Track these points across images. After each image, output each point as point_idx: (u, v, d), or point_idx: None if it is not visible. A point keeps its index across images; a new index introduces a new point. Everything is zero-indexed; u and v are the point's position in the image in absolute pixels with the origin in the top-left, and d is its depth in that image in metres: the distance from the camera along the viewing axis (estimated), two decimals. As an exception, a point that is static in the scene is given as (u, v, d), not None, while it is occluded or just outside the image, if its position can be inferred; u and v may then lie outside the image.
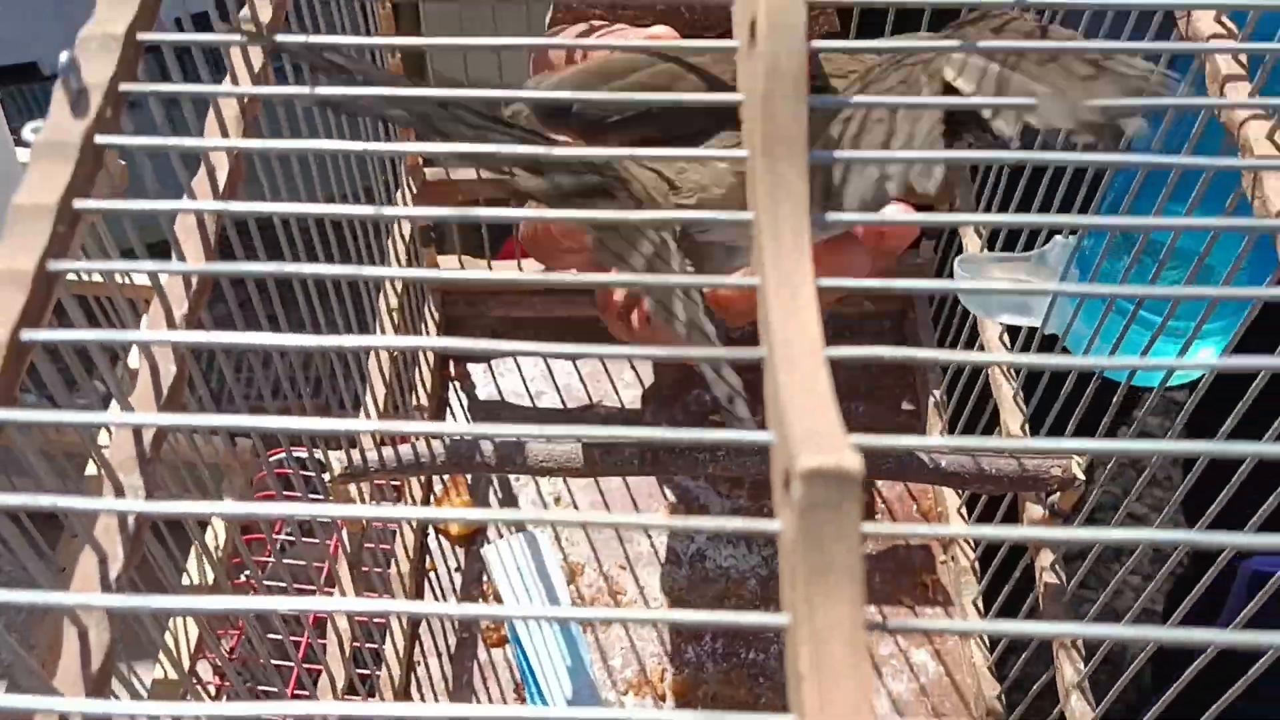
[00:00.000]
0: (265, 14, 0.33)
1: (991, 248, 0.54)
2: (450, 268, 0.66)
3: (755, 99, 0.22)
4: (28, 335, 0.21)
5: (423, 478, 0.61)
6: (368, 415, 0.52)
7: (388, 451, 0.45)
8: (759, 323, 0.21)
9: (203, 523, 0.68)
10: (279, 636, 0.62)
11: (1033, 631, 0.20)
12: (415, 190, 0.61)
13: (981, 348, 0.55)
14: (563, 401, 0.65)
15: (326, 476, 0.44)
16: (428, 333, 0.65)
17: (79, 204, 0.23)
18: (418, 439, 0.45)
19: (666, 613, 0.18)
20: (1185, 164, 0.27)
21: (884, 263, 0.37)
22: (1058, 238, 0.46)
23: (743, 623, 0.17)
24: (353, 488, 0.47)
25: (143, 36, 0.25)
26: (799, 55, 0.21)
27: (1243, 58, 0.32)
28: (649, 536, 0.60)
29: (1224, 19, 0.34)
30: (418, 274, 0.22)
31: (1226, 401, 0.36)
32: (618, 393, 0.66)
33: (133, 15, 0.25)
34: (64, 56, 0.23)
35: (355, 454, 0.45)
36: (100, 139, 0.23)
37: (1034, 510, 0.48)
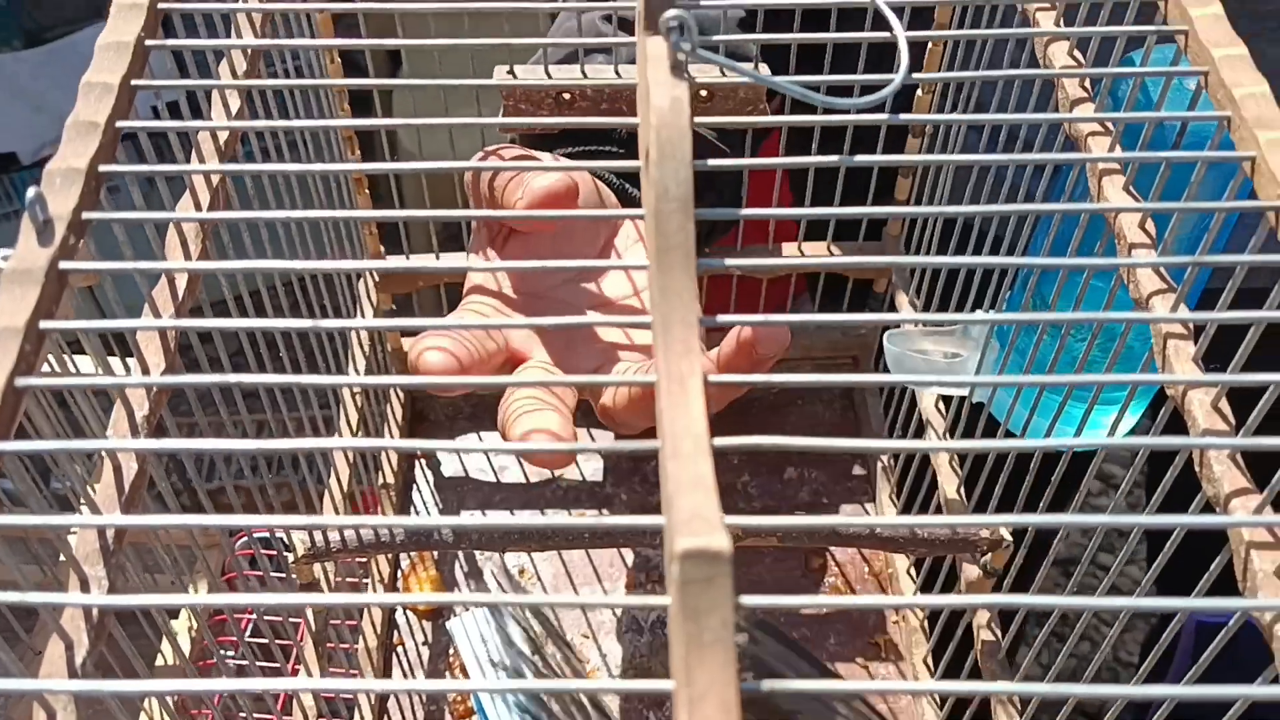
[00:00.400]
0: (234, 102, 0.36)
1: (927, 307, 0.57)
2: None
3: (650, 217, 0.25)
4: (22, 382, 0.23)
5: (389, 561, 0.62)
6: (332, 495, 0.54)
7: (350, 532, 0.47)
8: (656, 417, 0.23)
9: (172, 611, 0.69)
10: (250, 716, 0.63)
11: (956, 690, 0.22)
12: (377, 277, 0.64)
13: (921, 414, 0.58)
14: (525, 475, 0.67)
15: (290, 557, 0.46)
16: (394, 413, 0.67)
17: (45, 324, 0.25)
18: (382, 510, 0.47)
19: (579, 682, 0.20)
20: (1070, 265, 0.30)
21: (764, 368, 0.40)
22: (978, 312, 0.49)
23: (636, 689, 0.20)
24: (317, 567, 0.49)
25: (104, 168, 0.28)
26: (685, 182, 0.24)
27: (1118, 151, 0.36)
28: (611, 606, 0.62)
29: (1101, 116, 0.37)
30: (378, 380, 0.25)
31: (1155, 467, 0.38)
32: (578, 464, 0.68)
33: (94, 149, 0.28)
34: (31, 191, 0.26)
35: (319, 535, 0.47)
36: (64, 265, 0.26)
37: (970, 570, 0.50)
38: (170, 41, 0.32)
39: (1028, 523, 0.32)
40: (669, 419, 0.22)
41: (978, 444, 0.27)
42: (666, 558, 0.21)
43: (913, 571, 0.61)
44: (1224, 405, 0.30)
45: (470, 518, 0.64)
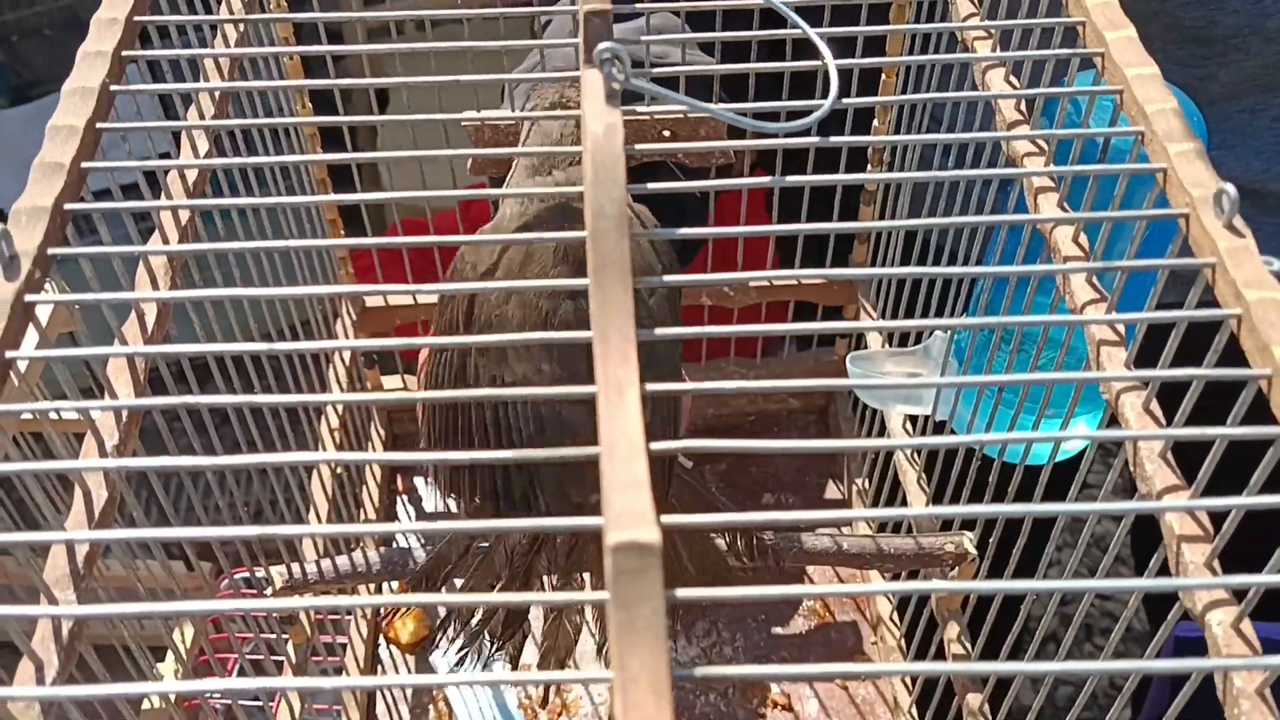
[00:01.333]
0: (202, 144, 0.37)
1: (891, 338, 0.58)
2: (394, 388, 0.70)
3: (589, 235, 0.26)
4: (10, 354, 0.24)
5: (372, 588, 0.63)
6: (311, 536, 0.55)
7: (326, 563, 0.48)
8: (597, 425, 0.24)
9: (157, 649, 0.70)
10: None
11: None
12: (354, 318, 0.65)
13: (890, 435, 0.59)
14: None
15: (269, 592, 0.47)
16: (374, 449, 0.68)
17: (9, 354, 0.26)
18: (357, 546, 0.48)
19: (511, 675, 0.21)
20: (1010, 272, 0.32)
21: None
22: (938, 332, 0.51)
23: (573, 679, 0.20)
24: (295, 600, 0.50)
25: (69, 206, 0.29)
26: (619, 201, 0.25)
27: (1051, 168, 0.37)
28: (592, 635, 0.63)
29: (1038, 141, 0.38)
30: (357, 397, 0.26)
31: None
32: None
33: (59, 188, 0.29)
34: (-2, 228, 0.27)
35: (295, 567, 0.47)
36: (29, 298, 0.27)
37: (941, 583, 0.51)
38: (134, 87, 0.33)
39: (981, 513, 0.33)
40: (607, 424, 0.23)
41: (930, 440, 0.28)
42: (605, 555, 0.22)
43: (889, 594, 0.62)
44: (1155, 407, 0.31)
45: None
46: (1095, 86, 0.32)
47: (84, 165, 0.30)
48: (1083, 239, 0.35)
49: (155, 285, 0.35)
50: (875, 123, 0.57)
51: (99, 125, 0.31)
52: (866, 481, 0.66)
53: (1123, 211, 0.29)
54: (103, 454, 0.31)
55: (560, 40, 0.43)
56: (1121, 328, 0.33)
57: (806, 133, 0.29)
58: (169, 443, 0.39)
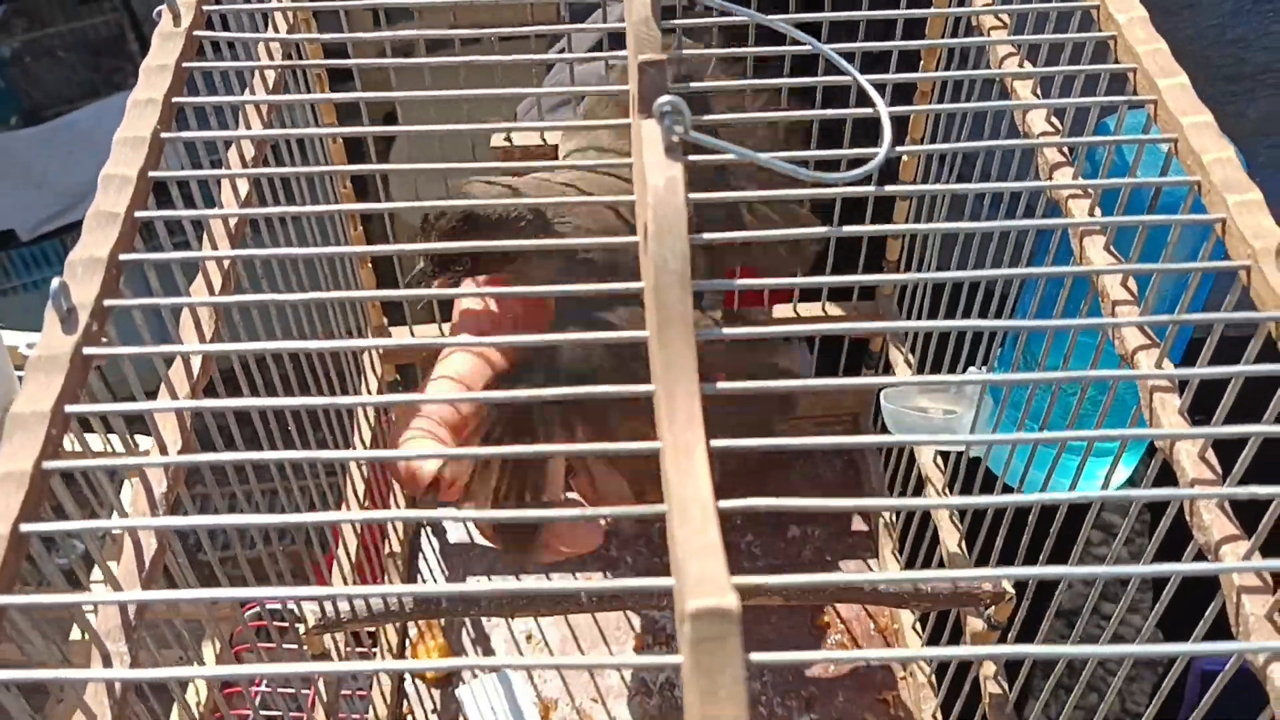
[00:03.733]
0: (243, 187, 0.37)
1: (922, 369, 0.58)
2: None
3: (650, 291, 0.26)
4: (26, 528, 0.24)
5: (397, 623, 0.63)
6: (340, 566, 0.55)
7: (359, 602, 0.47)
8: (662, 482, 0.24)
9: (183, 682, 0.69)
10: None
11: None
12: (381, 352, 0.65)
13: (920, 470, 0.59)
14: (530, 541, 0.68)
15: (301, 629, 0.47)
16: (395, 496, 0.67)
17: (70, 409, 0.26)
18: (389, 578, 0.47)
19: None
20: (1058, 325, 0.31)
21: None
22: (971, 369, 0.50)
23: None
24: (328, 638, 0.50)
25: (124, 257, 0.29)
26: (682, 255, 0.25)
27: (1097, 213, 0.37)
28: (618, 669, 0.62)
29: (1079, 178, 0.38)
30: (379, 455, 0.25)
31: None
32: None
33: (114, 239, 0.29)
34: (55, 282, 0.27)
35: (329, 605, 0.47)
36: (87, 350, 0.27)
37: (975, 623, 0.51)
38: (184, 134, 0.33)
39: (1029, 575, 0.33)
40: (676, 486, 0.23)
41: (976, 500, 0.28)
42: (678, 618, 0.21)
43: (918, 627, 0.61)
44: (1210, 456, 0.31)
45: (476, 584, 0.64)
46: (1146, 135, 0.32)
47: (138, 215, 0.30)
48: (1131, 283, 0.35)
49: (200, 326, 0.35)
50: (904, 159, 0.57)
51: (151, 174, 0.31)
52: (894, 515, 0.65)
53: (1184, 264, 0.29)
54: (151, 503, 0.31)
55: (588, 56, 0.43)
56: (1173, 370, 0.33)
57: (863, 182, 0.29)
58: (208, 478, 0.39)
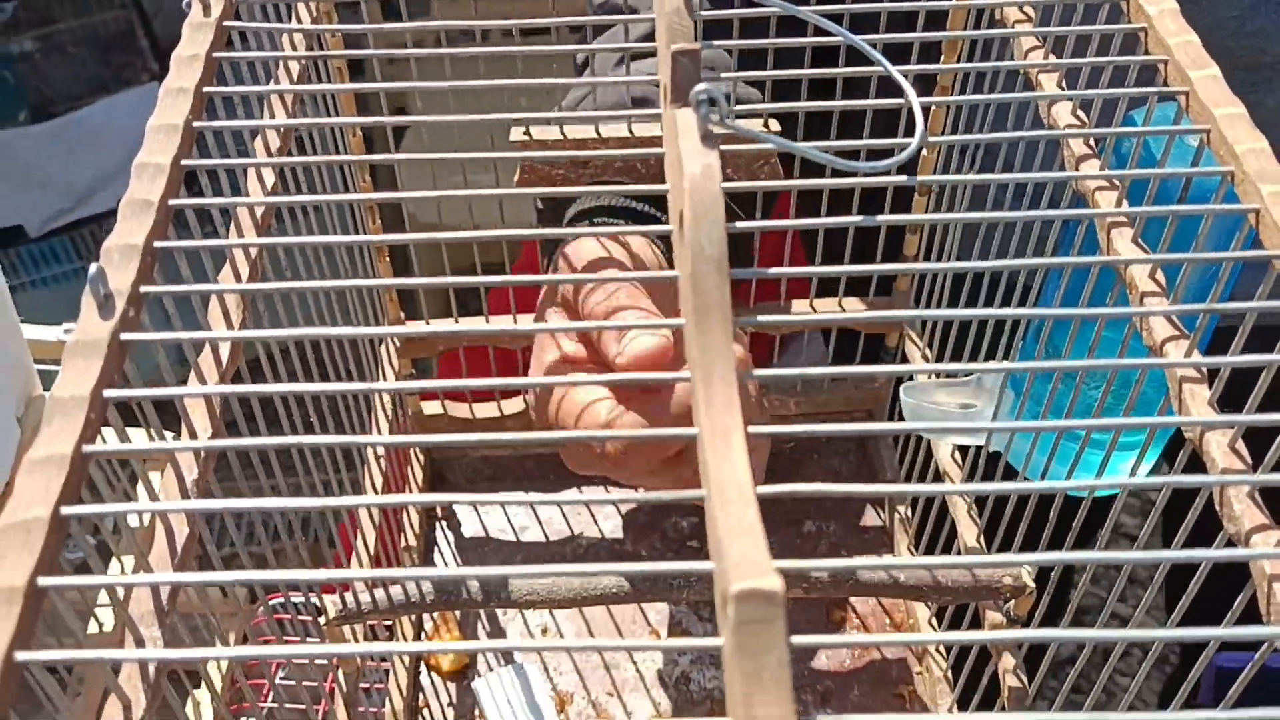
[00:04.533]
0: (269, 176, 0.37)
1: (941, 353, 0.58)
2: (433, 411, 0.70)
3: (686, 278, 0.26)
4: (67, 510, 0.24)
5: (413, 616, 0.63)
6: (359, 557, 0.55)
7: (379, 593, 0.48)
8: (699, 467, 0.24)
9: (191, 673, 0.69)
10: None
11: None
12: (398, 345, 0.65)
13: (938, 466, 0.59)
14: (545, 535, 0.68)
15: (322, 620, 0.47)
16: (414, 472, 0.68)
17: (108, 393, 0.26)
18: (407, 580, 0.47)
19: None
20: (1084, 314, 0.31)
21: None
22: (993, 362, 0.50)
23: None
24: (347, 629, 0.50)
25: (159, 244, 0.29)
26: (720, 242, 0.25)
27: (1125, 206, 0.37)
28: (634, 662, 0.62)
29: (1107, 169, 0.38)
30: (402, 440, 0.25)
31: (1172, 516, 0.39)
32: (598, 523, 0.68)
33: (149, 227, 0.29)
34: (93, 268, 0.27)
35: (349, 596, 0.47)
36: (125, 336, 0.27)
37: (994, 617, 0.51)
38: (215, 123, 0.33)
39: (1053, 560, 0.33)
40: (714, 470, 0.23)
41: (999, 486, 0.28)
42: (719, 601, 0.21)
43: (934, 622, 0.61)
44: (1240, 446, 0.31)
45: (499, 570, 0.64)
46: (1179, 127, 0.32)
47: (171, 203, 0.30)
48: (1160, 276, 0.35)
49: (228, 314, 0.35)
50: (924, 151, 0.57)
51: (184, 162, 0.31)
52: (909, 510, 0.65)
53: (1219, 254, 0.29)
54: (182, 488, 0.31)
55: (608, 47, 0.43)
56: (1202, 358, 0.33)
57: (894, 173, 0.29)
58: (236, 470, 0.39)
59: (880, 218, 0.32)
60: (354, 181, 0.60)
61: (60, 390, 0.26)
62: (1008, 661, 0.51)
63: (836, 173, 0.31)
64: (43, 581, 0.23)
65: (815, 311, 0.65)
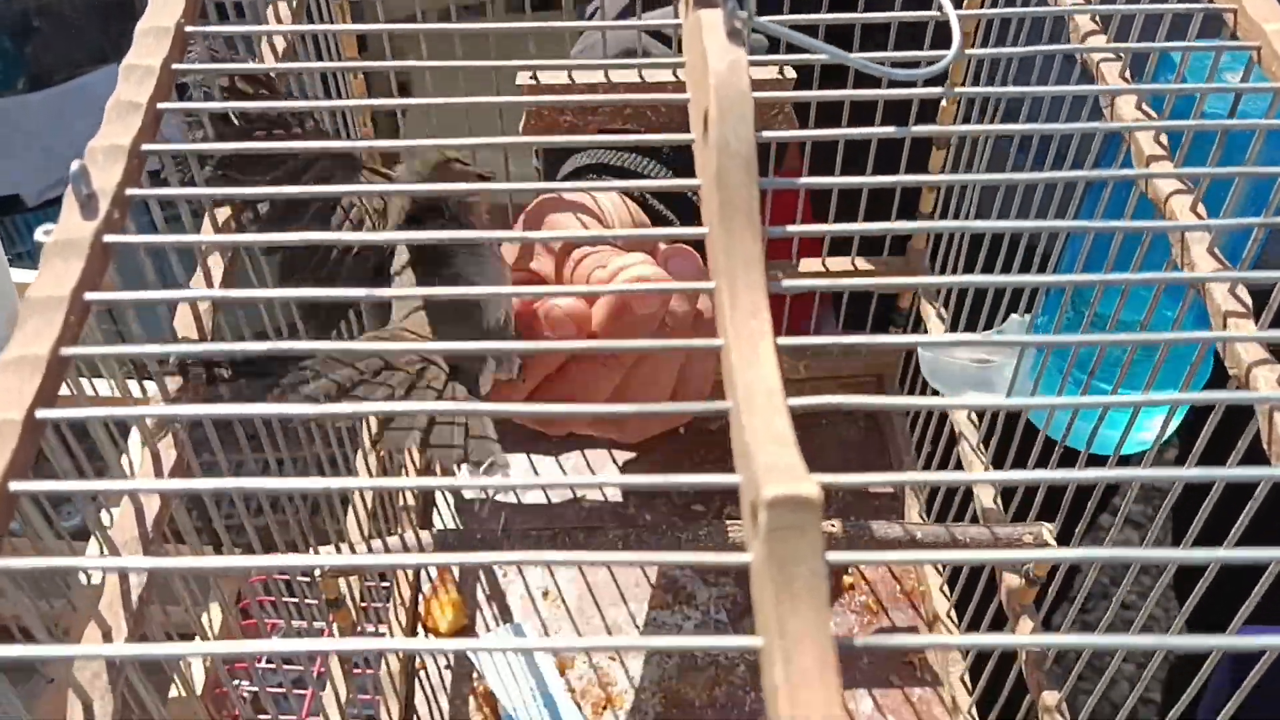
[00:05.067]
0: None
1: (955, 322, 0.56)
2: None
3: (710, 179, 0.24)
4: (42, 414, 0.22)
5: (410, 576, 0.61)
6: (356, 514, 0.53)
7: (376, 544, 0.46)
8: (723, 378, 0.23)
9: (185, 635, 0.68)
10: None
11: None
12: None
13: (952, 429, 0.57)
14: (547, 497, 0.66)
15: (317, 572, 0.45)
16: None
17: (89, 296, 0.24)
18: (404, 531, 0.46)
19: (643, 639, 0.19)
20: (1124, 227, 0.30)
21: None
22: (1014, 316, 0.49)
23: (718, 646, 0.19)
24: (342, 582, 0.48)
25: (146, 147, 0.28)
26: (748, 140, 0.24)
27: (1163, 138, 0.35)
28: (636, 627, 0.61)
29: (1144, 106, 0.36)
30: (402, 407, 0.24)
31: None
32: (600, 488, 0.67)
33: (136, 129, 0.28)
34: (75, 165, 0.25)
35: (344, 548, 0.46)
36: (108, 238, 0.25)
37: (1011, 579, 0.49)
38: (210, 28, 0.31)
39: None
40: (741, 378, 0.21)
41: (1032, 475, 0.26)
42: (747, 512, 0.20)
43: (945, 589, 0.60)
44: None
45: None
46: (1224, 42, 0.30)
47: (160, 106, 0.28)
48: (1202, 209, 0.33)
49: (209, 278, 0.33)
50: (944, 103, 0.55)
51: (174, 66, 0.30)
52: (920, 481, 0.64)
53: (1270, 168, 0.27)
54: (156, 465, 0.29)
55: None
56: (1248, 298, 0.31)
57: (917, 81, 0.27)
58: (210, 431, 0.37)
59: (900, 178, 0.30)
60: (355, 129, 0.58)
61: (37, 291, 0.24)
62: (1025, 625, 0.49)
63: (855, 120, 0.29)
64: (14, 486, 0.21)
65: (828, 270, 0.64)
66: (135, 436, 0.61)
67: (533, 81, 0.56)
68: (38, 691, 0.58)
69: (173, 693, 0.65)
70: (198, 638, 0.66)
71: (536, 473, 0.67)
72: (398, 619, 0.59)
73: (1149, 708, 1.43)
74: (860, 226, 0.29)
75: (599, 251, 0.43)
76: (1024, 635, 0.44)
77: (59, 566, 0.20)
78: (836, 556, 0.19)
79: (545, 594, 0.62)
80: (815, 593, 0.18)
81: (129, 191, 0.26)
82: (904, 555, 0.21)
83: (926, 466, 0.60)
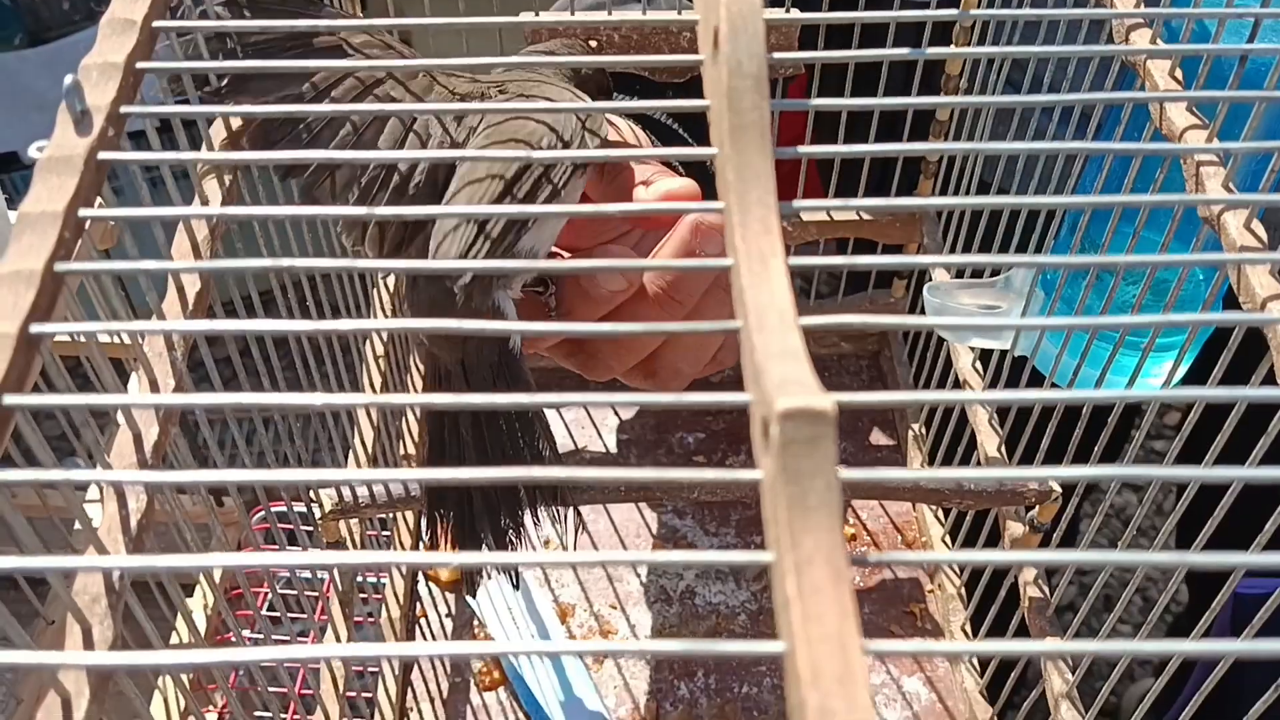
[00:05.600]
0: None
1: (961, 274, 0.55)
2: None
3: (721, 98, 0.24)
4: (36, 328, 0.22)
5: (411, 526, 0.61)
6: (356, 459, 0.53)
7: (378, 487, 0.46)
8: (733, 298, 0.22)
9: (189, 586, 0.68)
10: (275, 689, 0.62)
11: (1019, 650, 0.21)
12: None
13: (957, 379, 0.56)
14: (548, 448, 0.66)
15: (317, 513, 0.45)
16: (413, 382, 0.65)
17: (84, 212, 0.24)
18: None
19: (654, 644, 0.18)
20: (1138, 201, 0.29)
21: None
22: (1024, 255, 0.48)
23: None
24: (343, 525, 0.48)
25: (141, 65, 0.27)
26: (759, 58, 0.23)
27: (1179, 73, 0.34)
28: (638, 575, 0.61)
29: (1159, 41, 0.36)
30: (401, 324, 0.23)
31: (1210, 417, 0.37)
32: (602, 437, 0.67)
33: (132, 45, 0.27)
34: (68, 79, 0.25)
35: (346, 491, 0.45)
36: (103, 155, 0.25)
37: (1014, 527, 0.49)
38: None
39: (1078, 476, 0.31)
40: (751, 296, 0.21)
41: (1029, 394, 0.26)
42: (757, 429, 0.19)
43: (947, 540, 0.60)
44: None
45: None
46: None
47: (156, 24, 0.28)
48: (1215, 142, 0.32)
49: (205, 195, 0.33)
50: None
51: (169, -15, 0.29)
52: (923, 428, 0.63)
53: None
54: (155, 388, 0.29)
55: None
56: (1264, 233, 0.30)
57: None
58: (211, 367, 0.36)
59: (910, 100, 0.30)
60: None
61: (30, 206, 0.23)
62: (1028, 573, 0.49)
63: (864, 43, 0.28)
64: (8, 400, 0.21)
65: (832, 220, 0.63)
66: (135, 381, 0.61)
67: (531, 15, 0.55)
68: (37, 634, 0.58)
69: (173, 639, 0.65)
70: (197, 588, 0.66)
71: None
72: (399, 569, 0.59)
73: (1144, 669, 1.44)
74: (869, 148, 0.28)
75: (639, 167, 0.43)
76: (1026, 552, 0.44)
77: (58, 479, 0.20)
78: (850, 473, 0.19)
79: (546, 543, 0.62)
80: (829, 507, 0.18)
81: (124, 109, 0.26)
82: (921, 473, 0.21)
83: (930, 418, 0.60)
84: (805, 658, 0.16)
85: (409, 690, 0.57)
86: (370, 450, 0.54)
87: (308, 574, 0.61)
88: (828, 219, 0.63)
